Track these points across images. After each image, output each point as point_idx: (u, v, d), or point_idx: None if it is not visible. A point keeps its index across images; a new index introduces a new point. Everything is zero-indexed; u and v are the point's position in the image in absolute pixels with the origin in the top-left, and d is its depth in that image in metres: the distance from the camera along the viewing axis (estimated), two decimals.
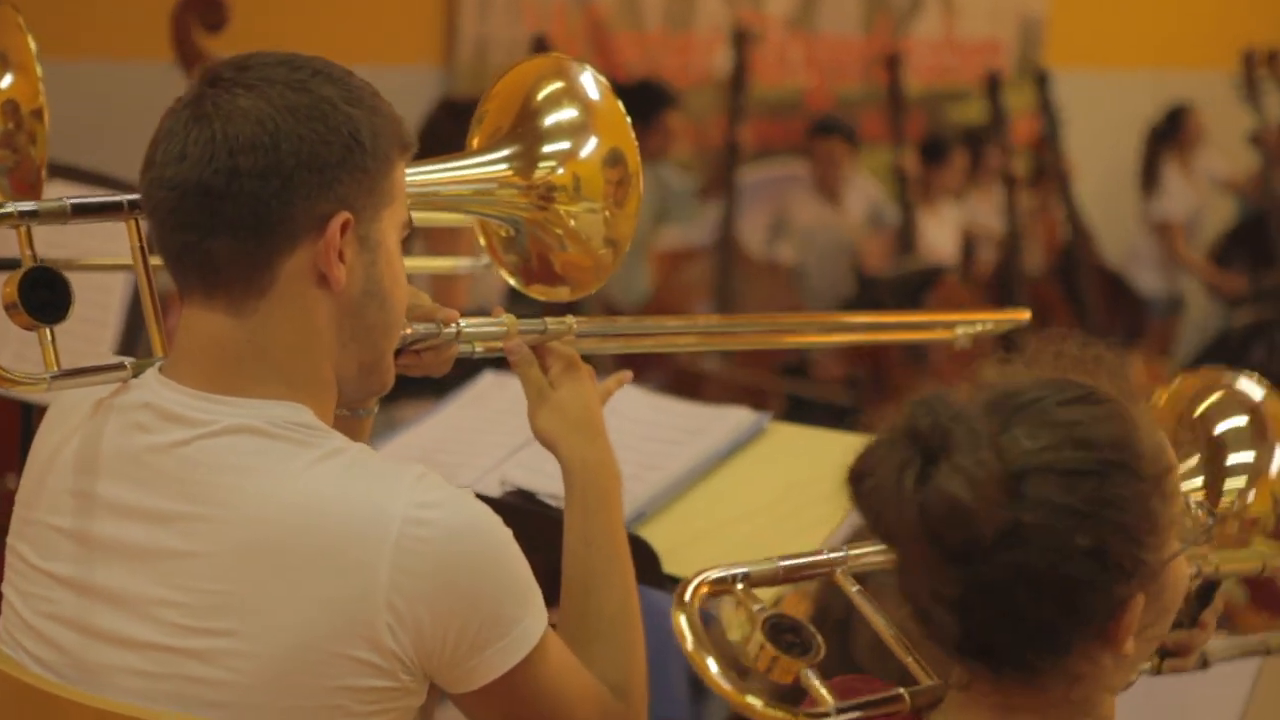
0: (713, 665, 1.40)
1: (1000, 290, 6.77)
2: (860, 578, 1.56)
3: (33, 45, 1.90)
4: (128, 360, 1.67)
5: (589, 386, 1.84)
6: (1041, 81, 7.41)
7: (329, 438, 1.60)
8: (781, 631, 1.42)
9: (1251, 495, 1.70)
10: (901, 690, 1.48)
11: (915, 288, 5.93)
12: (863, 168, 6.90)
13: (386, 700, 1.56)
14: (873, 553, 1.56)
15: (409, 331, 1.76)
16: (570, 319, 1.86)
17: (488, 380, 2.66)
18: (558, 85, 1.87)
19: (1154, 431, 1.46)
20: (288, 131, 1.56)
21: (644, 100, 5.96)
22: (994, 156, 7.01)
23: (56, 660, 1.60)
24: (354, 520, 1.53)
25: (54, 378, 1.64)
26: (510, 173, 1.87)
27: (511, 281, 1.93)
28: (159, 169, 1.58)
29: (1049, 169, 7.29)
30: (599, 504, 1.79)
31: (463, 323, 1.82)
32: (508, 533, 1.60)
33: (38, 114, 1.90)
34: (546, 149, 1.86)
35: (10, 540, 1.68)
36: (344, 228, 1.59)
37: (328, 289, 1.60)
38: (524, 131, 1.87)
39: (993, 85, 7.07)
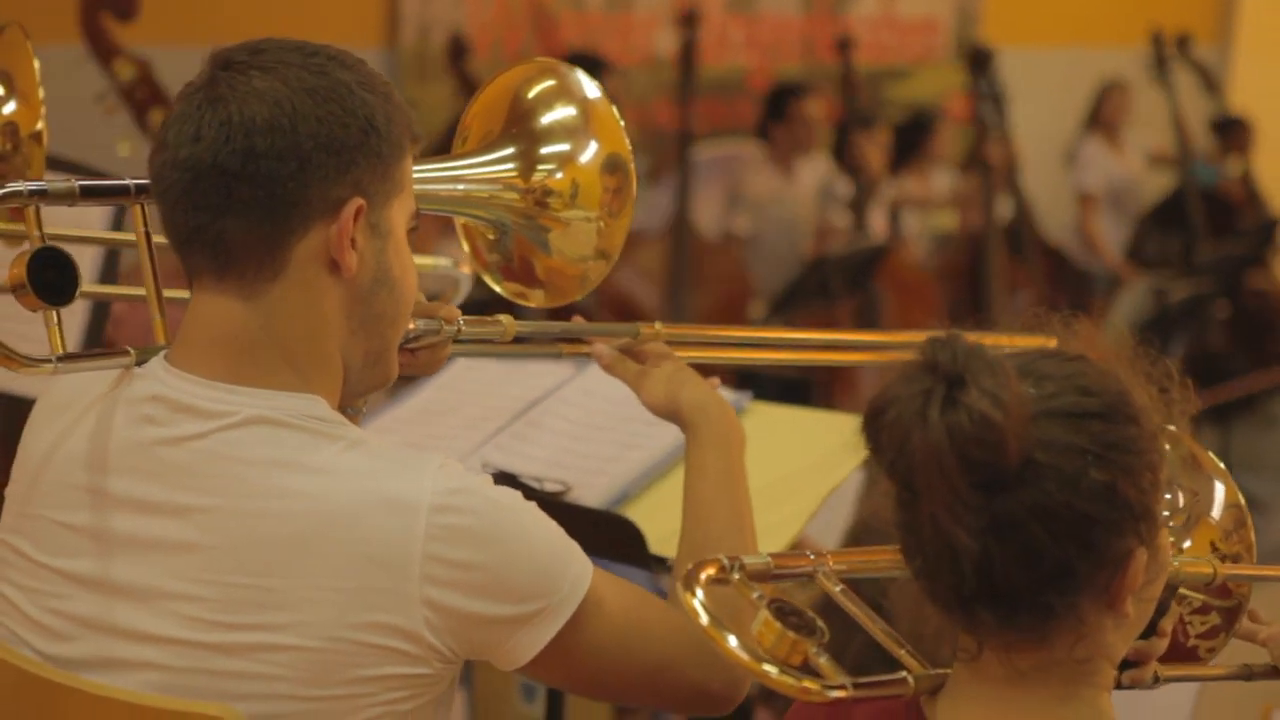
0: (732, 640, 1.41)
1: (960, 275, 6.80)
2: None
3: (37, 68, 1.90)
4: (132, 349, 1.65)
5: (682, 362, 1.92)
6: (980, 61, 7.46)
7: (347, 429, 1.60)
8: (785, 614, 1.44)
9: (1188, 543, 1.71)
10: (905, 674, 1.50)
11: (861, 266, 5.95)
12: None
13: (417, 687, 1.57)
14: (860, 553, 1.59)
15: (412, 327, 1.75)
16: (659, 325, 1.91)
17: (459, 365, 2.65)
18: (549, 84, 1.85)
19: (1143, 395, 1.50)
20: (305, 113, 1.55)
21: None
22: (938, 138, 7.03)
23: (68, 653, 1.60)
24: (383, 512, 1.53)
25: (59, 360, 1.62)
26: (510, 173, 1.85)
27: (487, 279, 1.91)
28: (172, 150, 1.57)
29: (990, 149, 7.33)
30: (713, 440, 1.85)
31: (462, 321, 1.81)
32: (531, 506, 1.61)
33: (36, 137, 1.91)
34: (545, 150, 1.84)
35: (2, 535, 1.67)
36: (357, 213, 1.58)
37: (339, 275, 1.60)
38: (519, 133, 1.85)
39: (979, 59, 7.07)
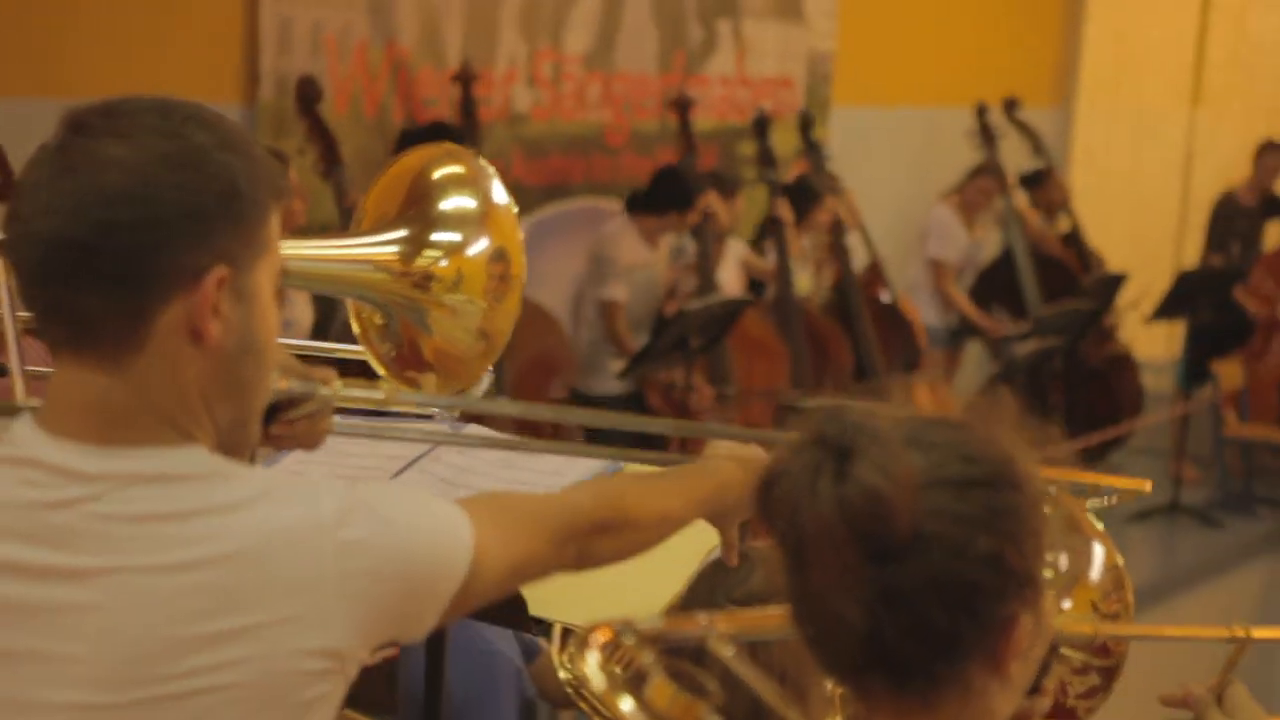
0: (628, 704, 1.43)
1: (778, 324, 6.89)
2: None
3: None
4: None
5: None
6: (805, 124, 7.64)
7: (235, 469, 1.59)
8: (679, 676, 1.46)
9: (1068, 603, 1.75)
10: None
11: (722, 321, 6.02)
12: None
13: (337, 696, 1.59)
14: (752, 617, 1.61)
15: (283, 386, 1.74)
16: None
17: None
18: (454, 170, 1.87)
19: (1027, 461, 1.52)
20: (162, 181, 1.51)
21: (438, 140, 5.93)
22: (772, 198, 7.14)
23: None
24: (289, 541, 1.54)
25: None
26: (392, 256, 1.84)
27: (381, 371, 1.91)
28: (25, 223, 1.53)
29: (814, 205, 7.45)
30: (702, 474, 1.93)
31: (338, 385, 1.80)
32: (413, 495, 1.66)
33: None
34: (435, 237, 1.85)
35: None
36: (220, 281, 1.55)
37: (202, 344, 1.56)
38: (414, 215, 1.85)
39: (759, 126, 7.22)
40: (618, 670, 1.48)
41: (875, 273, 7.79)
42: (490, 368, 2.10)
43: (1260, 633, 1.75)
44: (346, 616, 1.55)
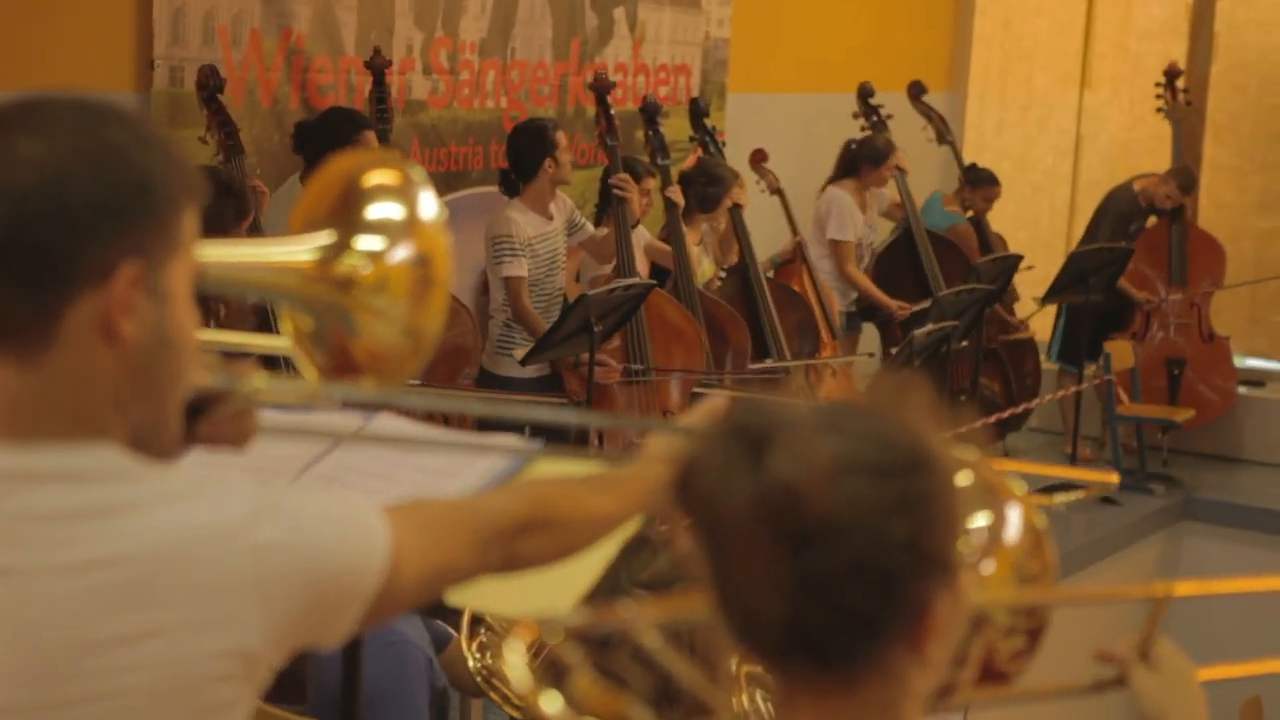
0: (556, 703, 1.44)
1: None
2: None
3: None
4: None
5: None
6: (697, 111, 7.66)
7: (148, 470, 1.57)
8: (605, 672, 1.47)
9: (988, 567, 1.78)
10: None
11: (625, 305, 6.02)
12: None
13: (247, 702, 1.58)
14: (676, 604, 1.62)
15: (204, 384, 1.71)
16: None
17: None
18: (388, 180, 1.87)
19: (939, 442, 1.55)
20: (76, 177, 1.51)
21: (336, 127, 5.93)
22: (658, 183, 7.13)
23: None
24: (202, 543, 1.53)
25: None
26: (311, 261, 1.84)
27: (312, 376, 1.91)
28: None
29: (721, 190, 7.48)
30: (636, 474, 1.94)
31: (260, 380, 1.78)
32: (328, 499, 1.66)
33: None
34: (359, 243, 1.85)
35: None
36: (133, 278, 1.53)
37: (114, 342, 1.54)
38: (342, 219, 1.85)
39: (648, 113, 7.19)
40: (540, 668, 1.49)
41: (799, 253, 7.82)
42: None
43: (1182, 588, 1.78)
44: (258, 619, 1.54)
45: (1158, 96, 9.28)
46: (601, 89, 6.91)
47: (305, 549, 1.57)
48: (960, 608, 1.56)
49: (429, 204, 1.90)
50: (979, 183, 8.74)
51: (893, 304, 8.12)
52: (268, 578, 1.55)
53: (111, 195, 1.52)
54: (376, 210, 1.87)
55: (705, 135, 7.62)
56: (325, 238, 1.86)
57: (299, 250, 1.85)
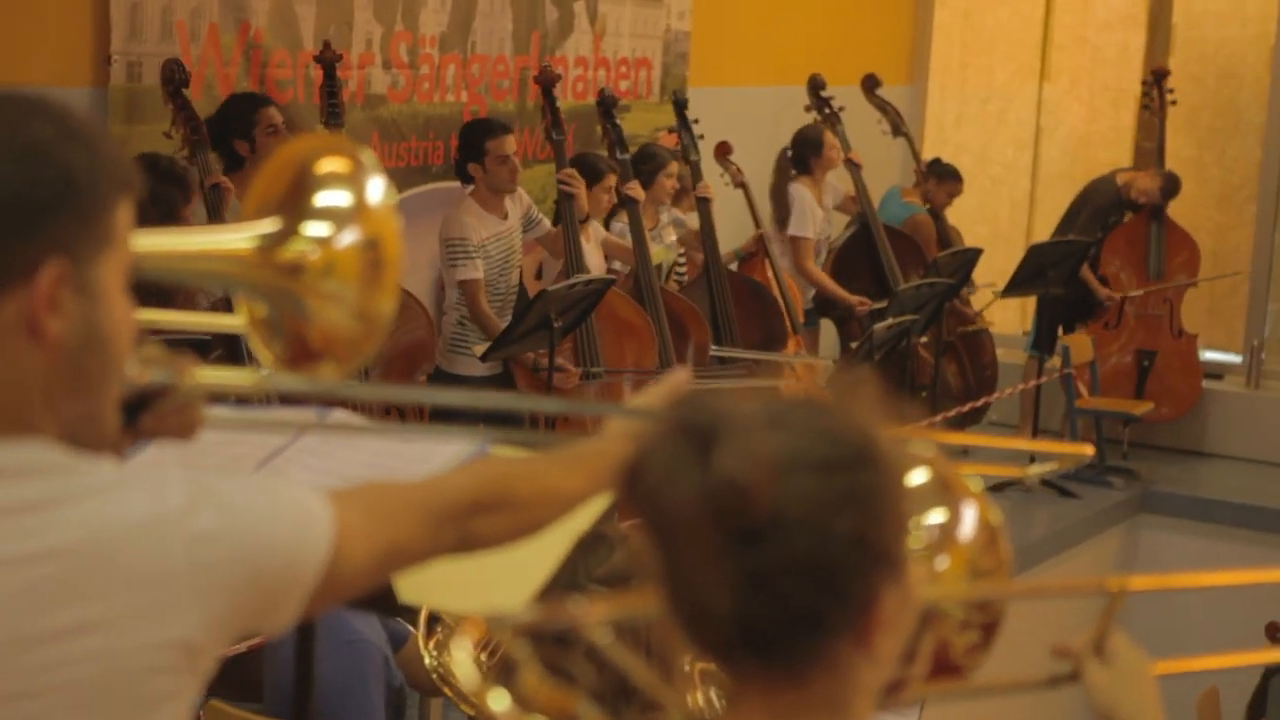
0: (504, 700, 1.44)
1: (640, 304, 6.90)
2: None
3: None
4: None
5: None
6: (677, 102, 7.65)
7: (79, 463, 1.56)
8: (553, 669, 1.47)
9: (942, 564, 1.78)
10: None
11: (584, 301, 6.01)
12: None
13: (189, 693, 1.57)
14: (625, 601, 1.62)
15: (142, 380, 1.70)
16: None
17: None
18: (339, 167, 1.87)
19: (886, 437, 1.55)
20: None
21: (235, 112, 5.91)
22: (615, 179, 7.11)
23: None
24: (136, 535, 1.52)
25: None
26: (255, 247, 1.84)
27: (268, 364, 1.91)
28: None
29: (686, 186, 7.50)
30: (595, 451, 1.89)
31: (200, 374, 1.76)
32: (264, 486, 1.64)
33: None
34: (306, 229, 1.85)
35: None
36: (58, 276, 1.51)
37: (40, 340, 1.52)
38: (291, 206, 1.85)
39: (604, 106, 7.16)
40: (488, 664, 1.48)
41: (762, 247, 7.83)
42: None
43: (1137, 583, 1.79)
44: (198, 609, 1.54)
45: (1144, 95, 9.35)
46: (547, 82, 6.88)
47: (242, 536, 1.56)
48: (909, 602, 1.56)
49: (378, 187, 1.90)
50: (944, 176, 8.77)
51: (853, 299, 8.14)
52: (204, 567, 1.54)
53: (31, 192, 1.50)
54: (324, 196, 1.88)
55: (684, 128, 7.57)
56: (269, 225, 1.86)
57: (239, 238, 1.85)
